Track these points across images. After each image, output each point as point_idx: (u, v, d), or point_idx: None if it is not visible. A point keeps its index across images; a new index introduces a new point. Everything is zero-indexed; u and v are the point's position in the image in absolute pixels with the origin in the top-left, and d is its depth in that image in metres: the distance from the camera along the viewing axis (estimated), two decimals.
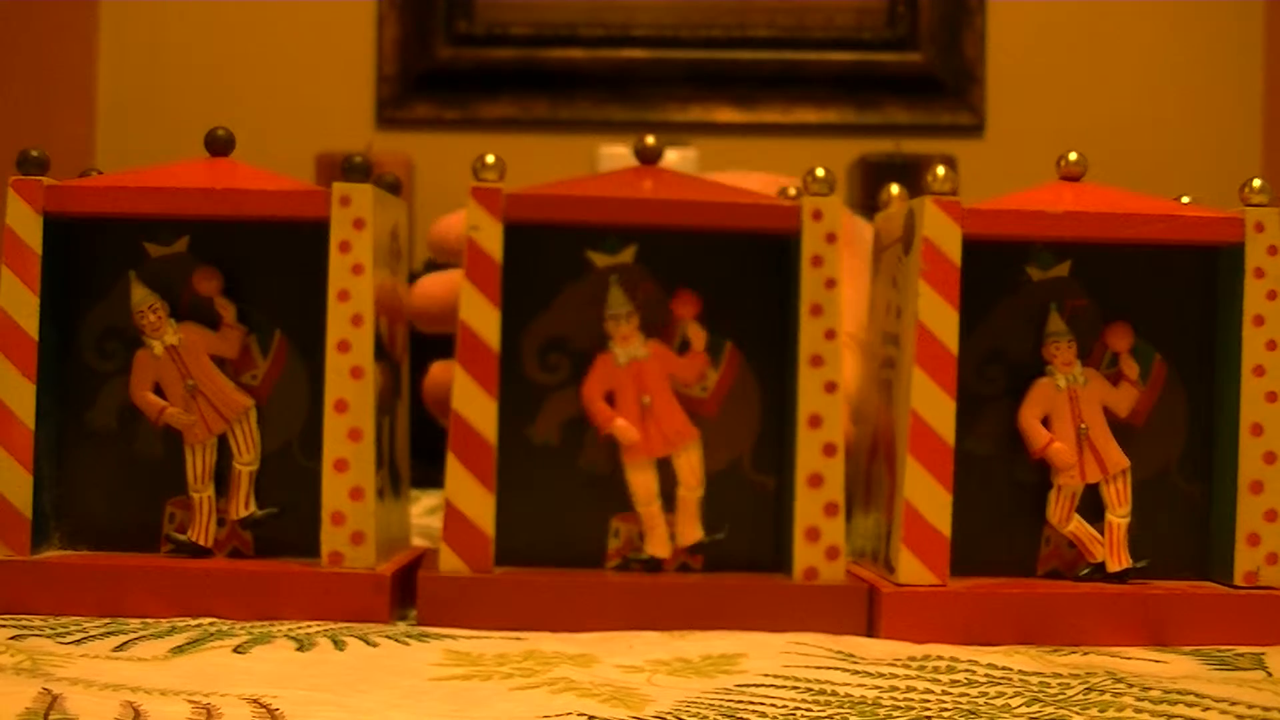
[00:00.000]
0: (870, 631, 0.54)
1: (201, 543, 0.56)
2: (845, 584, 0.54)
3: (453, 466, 0.54)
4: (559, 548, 0.56)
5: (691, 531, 0.56)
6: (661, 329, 0.57)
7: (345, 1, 1.98)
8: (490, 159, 0.55)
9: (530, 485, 0.57)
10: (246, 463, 0.57)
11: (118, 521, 0.57)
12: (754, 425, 0.57)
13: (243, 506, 0.57)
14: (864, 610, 0.54)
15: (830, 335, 0.55)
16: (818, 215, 0.55)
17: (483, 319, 0.54)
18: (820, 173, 0.55)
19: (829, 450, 0.54)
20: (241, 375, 0.57)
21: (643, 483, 0.56)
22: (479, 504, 0.54)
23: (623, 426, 0.56)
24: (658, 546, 0.56)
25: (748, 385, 0.57)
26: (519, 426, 0.57)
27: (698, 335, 0.56)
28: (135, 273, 0.57)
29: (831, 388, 0.55)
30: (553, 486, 0.57)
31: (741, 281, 0.57)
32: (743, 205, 0.56)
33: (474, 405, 0.54)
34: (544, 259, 0.57)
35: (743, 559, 0.57)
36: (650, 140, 0.58)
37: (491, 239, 0.55)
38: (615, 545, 0.57)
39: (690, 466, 0.56)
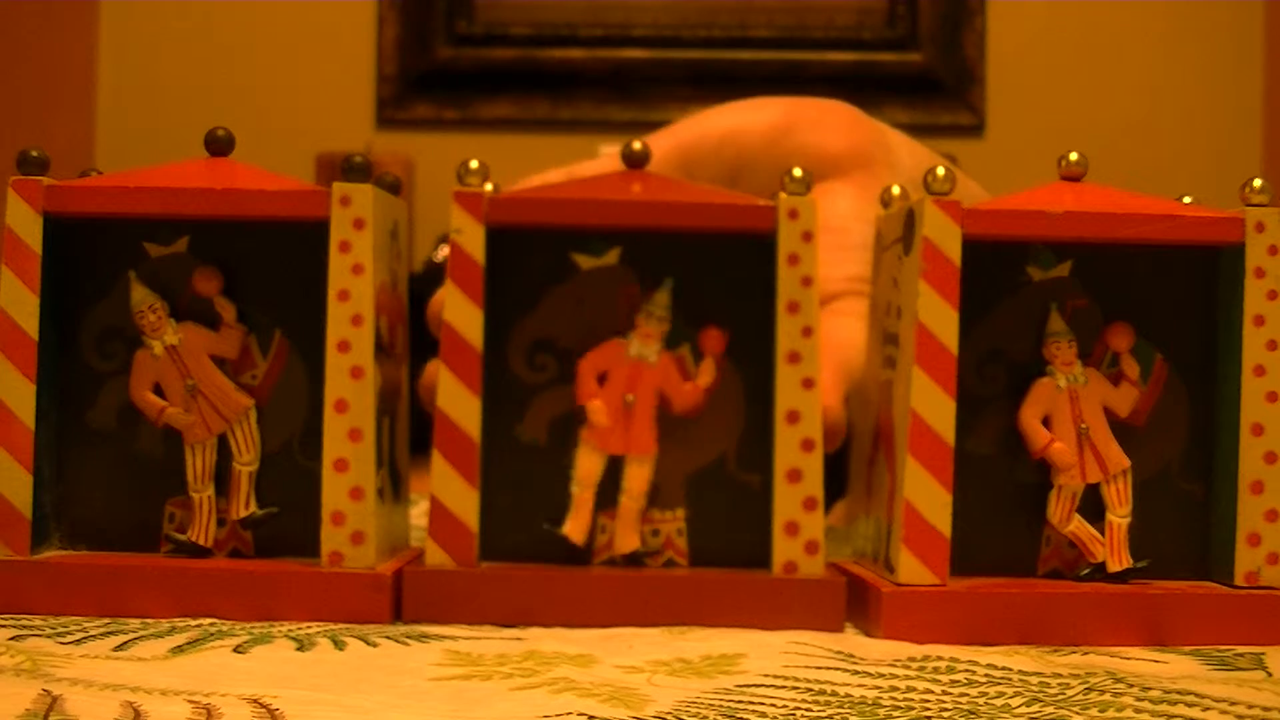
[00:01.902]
0: (865, 629, 0.54)
1: (201, 543, 0.56)
2: (824, 578, 0.54)
3: (438, 463, 0.55)
4: (547, 544, 0.57)
5: (629, 540, 0.56)
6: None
7: (345, 1, 1.98)
8: (474, 164, 0.56)
9: (518, 483, 0.57)
10: (246, 463, 0.57)
11: (118, 521, 0.57)
12: (738, 423, 0.58)
13: (243, 506, 0.57)
14: (842, 603, 0.54)
15: (807, 332, 0.55)
16: (794, 214, 0.56)
17: (466, 319, 0.55)
18: (797, 173, 0.56)
19: (807, 446, 0.55)
20: (241, 375, 0.57)
21: (588, 466, 0.56)
22: (463, 500, 0.55)
23: (597, 407, 0.56)
24: (575, 530, 0.56)
25: (731, 384, 0.58)
26: (507, 425, 0.57)
27: (708, 371, 0.57)
28: (135, 272, 0.57)
29: (809, 384, 0.55)
30: (541, 484, 0.57)
31: (725, 281, 0.58)
32: (721, 206, 0.57)
33: (458, 403, 0.55)
34: (530, 261, 0.57)
35: (728, 555, 0.57)
36: (637, 145, 0.58)
37: (474, 242, 0.55)
38: (602, 541, 0.57)
39: (638, 477, 0.56)
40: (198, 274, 0.57)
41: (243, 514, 0.57)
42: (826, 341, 0.60)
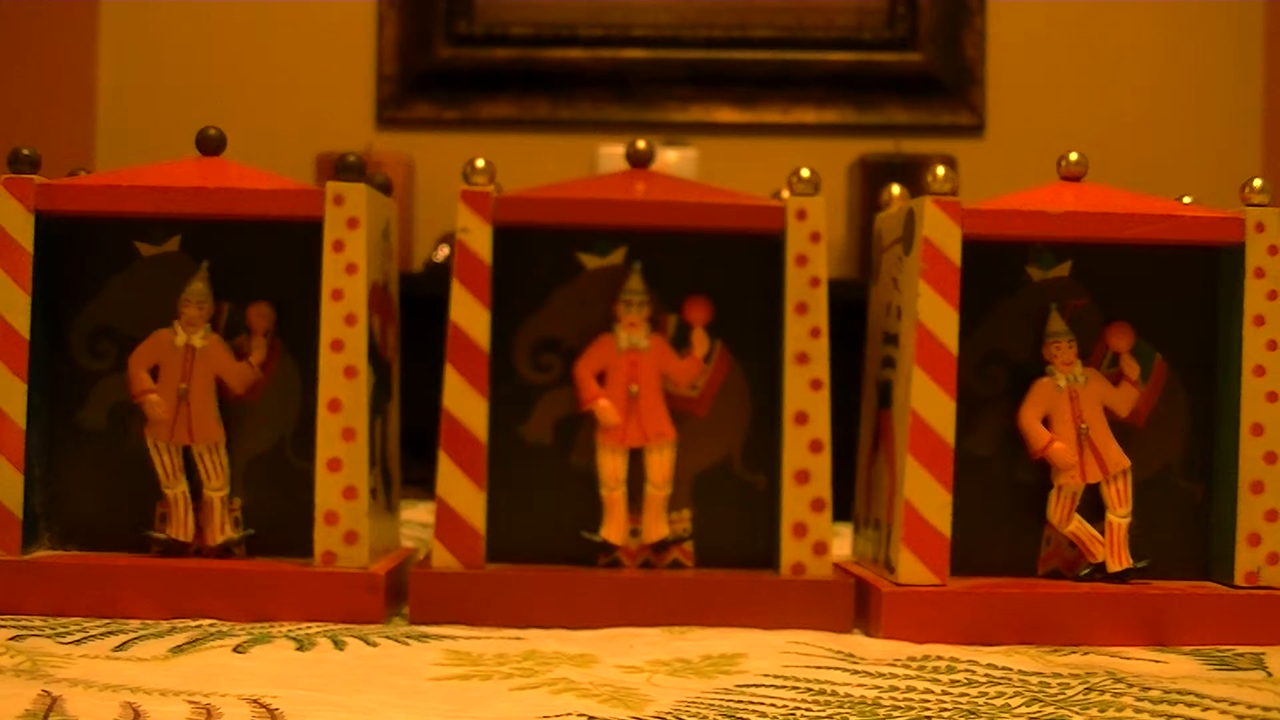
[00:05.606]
0: (865, 629, 0.54)
1: (181, 538, 0.56)
2: (832, 579, 0.54)
3: (444, 465, 0.54)
4: (552, 545, 0.57)
5: (658, 528, 0.56)
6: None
7: (345, 1, 1.98)
8: (480, 163, 0.56)
9: (523, 483, 0.57)
10: (216, 489, 0.56)
11: (108, 521, 0.57)
12: (743, 423, 0.58)
13: (219, 532, 0.56)
14: (851, 604, 0.54)
15: (815, 333, 0.55)
16: (802, 215, 0.55)
17: (473, 320, 0.55)
18: (805, 173, 0.56)
19: (815, 447, 0.55)
20: None
21: (611, 467, 0.56)
22: (470, 501, 0.54)
23: (605, 407, 0.56)
24: (614, 533, 0.56)
25: (737, 384, 0.58)
26: (512, 425, 0.57)
27: (701, 342, 0.57)
28: (208, 267, 0.57)
29: (817, 385, 0.55)
30: (545, 484, 0.57)
31: (731, 282, 0.57)
32: (729, 206, 0.57)
33: (465, 404, 0.54)
34: (536, 261, 0.57)
35: (734, 556, 0.57)
36: (641, 144, 0.58)
37: (481, 241, 0.55)
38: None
39: (660, 465, 0.56)
40: (255, 308, 0.57)
41: (219, 540, 0.56)
42: None
